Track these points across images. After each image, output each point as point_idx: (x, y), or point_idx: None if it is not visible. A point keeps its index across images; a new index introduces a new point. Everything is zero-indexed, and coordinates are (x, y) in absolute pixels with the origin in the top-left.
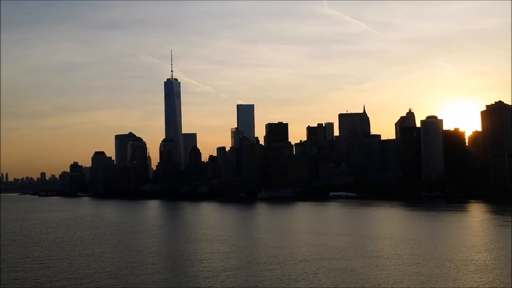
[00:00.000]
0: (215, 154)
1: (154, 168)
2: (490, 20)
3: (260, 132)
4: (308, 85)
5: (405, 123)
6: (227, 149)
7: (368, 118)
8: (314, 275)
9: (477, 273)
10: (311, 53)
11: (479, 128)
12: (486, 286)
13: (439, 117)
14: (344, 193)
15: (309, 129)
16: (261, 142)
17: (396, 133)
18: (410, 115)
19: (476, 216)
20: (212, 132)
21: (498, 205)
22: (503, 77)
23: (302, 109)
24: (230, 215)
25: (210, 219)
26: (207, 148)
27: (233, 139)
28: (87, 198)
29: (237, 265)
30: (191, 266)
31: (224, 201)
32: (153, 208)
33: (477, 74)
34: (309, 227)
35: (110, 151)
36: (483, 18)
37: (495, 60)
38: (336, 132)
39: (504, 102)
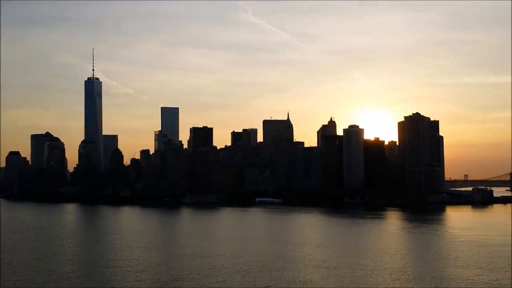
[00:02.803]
0: (137, 157)
1: (72, 170)
2: (405, 36)
3: (184, 136)
4: (232, 91)
5: (327, 131)
6: (151, 152)
7: (291, 125)
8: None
9: (398, 279)
10: (235, 59)
11: (395, 139)
12: None
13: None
14: (269, 199)
15: (234, 134)
16: (185, 146)
17: (318, 140)
18: (332, 123)
19: (394, 223)
20: (133, 135)
21: (414, 214)
22: (413, 91)
23: (226, 114)
24: (154, 221)
25: (133, 225)
26: (128, 151)
27: (156, 142)
28: (0, 200)
29: (177, 277)
30: (113, 274)
31: (148, 205)
32: (72, 212)
33: (389, 88)
34: (240, 234)
35: (26, 152)
36: (398, 34)
37: (407, 75)
38: (260, 138)
39: (422, 114)
